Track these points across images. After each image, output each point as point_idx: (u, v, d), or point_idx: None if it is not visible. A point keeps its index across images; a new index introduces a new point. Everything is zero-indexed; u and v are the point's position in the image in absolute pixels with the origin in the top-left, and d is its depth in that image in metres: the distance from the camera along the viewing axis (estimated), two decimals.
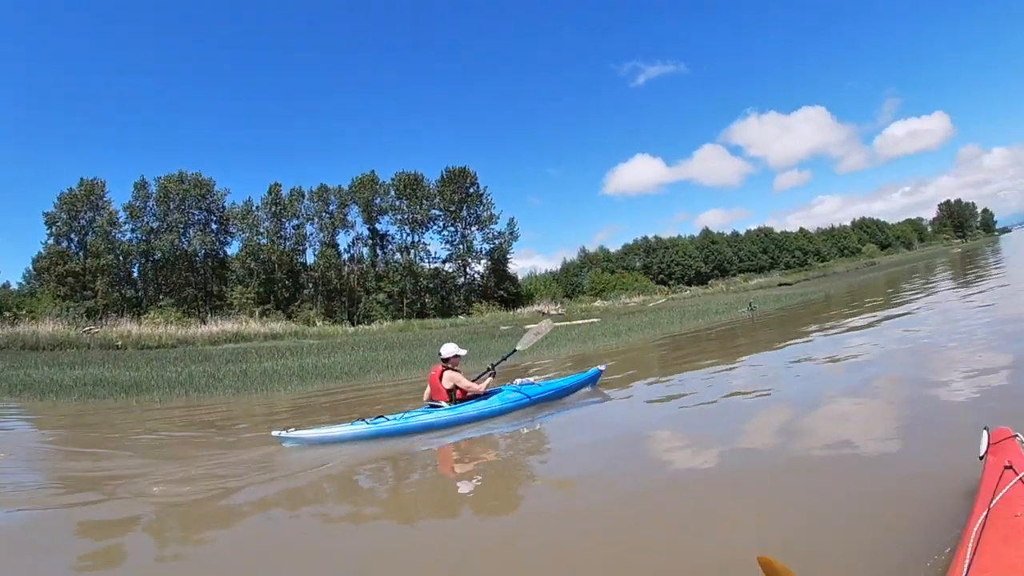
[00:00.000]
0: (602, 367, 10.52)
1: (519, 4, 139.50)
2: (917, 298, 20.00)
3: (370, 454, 7.35)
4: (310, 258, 56.24)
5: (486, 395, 8.98)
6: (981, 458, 3.17)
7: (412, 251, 58.73)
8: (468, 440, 7.83)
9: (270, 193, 54.81)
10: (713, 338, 18.04)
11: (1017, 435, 3.19)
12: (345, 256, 56.85)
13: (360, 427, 7.89)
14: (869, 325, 14.66)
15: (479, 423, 8.47)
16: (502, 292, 58.40)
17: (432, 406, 8.73)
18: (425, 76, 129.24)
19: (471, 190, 60.45)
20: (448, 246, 60.70)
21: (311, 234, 56.49)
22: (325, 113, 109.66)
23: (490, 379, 9.23)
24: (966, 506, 2.90)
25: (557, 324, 30.69)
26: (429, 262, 59.43)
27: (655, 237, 79.78)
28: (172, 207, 51.45)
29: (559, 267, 74.69)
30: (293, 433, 7.65)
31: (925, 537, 3.12)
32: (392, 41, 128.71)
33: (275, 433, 7.64)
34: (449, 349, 9.03)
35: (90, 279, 49.02)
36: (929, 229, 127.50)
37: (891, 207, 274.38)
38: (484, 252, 61.20)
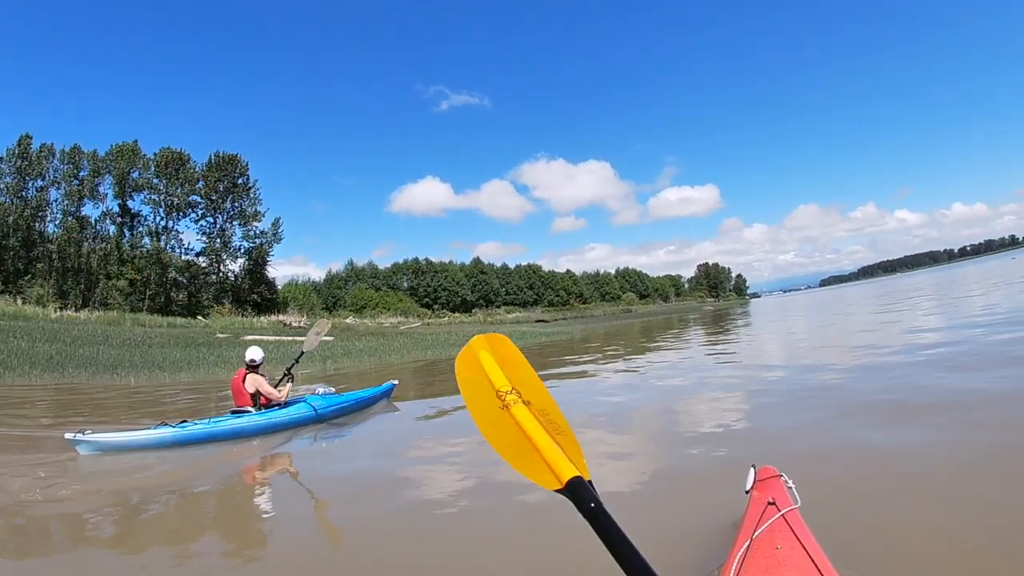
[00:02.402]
0: (395, 381, 11.29)
1: (341, 9, 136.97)
2: (670, 346, 21.00)
3: (176, 465, 6.89)
4: (51, 228, 51.45)
5: (288, 403, 9.04)
6: (747, 492, 3.30)
7: (164, 237, 55.46)
8: (273, 454, 7.71)
9: (19, 144, 49.75)
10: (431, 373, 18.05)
11: (782, 475, 3.36)
12: (90, 232, 53.20)
13: (166, 432, 7.56)
14: (618, 369, 14.88)
15: (286, 431, 8.56)
16: (256, 296, 57.17)
17: (235, 411, 8.58)
18: (226, 66, 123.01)
19: (239, 180, 58.31)
20: (204, 238, 58.01)
21: (55, 200, 52.50)
22: (93, 62, 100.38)
23: (290, 385, 9.32)
24: (730, 536, 2.99)
25: (284, 338, 30.51)
26: (182, 252, 56.26)
27: (426, 260, 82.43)
28: None
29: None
30: (90, 436, 7.19)
31: (692, 561, 3.31)
32: (206, 22, 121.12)
33: (68, 436, 7.11)
34: (256, 353, 8.95)
35: None
36: (686, 286, 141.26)
37: (655, 262, 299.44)
38: (243, 250, 59.08)
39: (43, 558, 4.31)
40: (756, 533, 2.59)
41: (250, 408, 8.60)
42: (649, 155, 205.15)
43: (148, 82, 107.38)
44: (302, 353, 10.52)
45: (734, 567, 2.39)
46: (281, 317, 48.80)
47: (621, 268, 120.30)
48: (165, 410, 11.17)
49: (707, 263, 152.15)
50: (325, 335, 12.25)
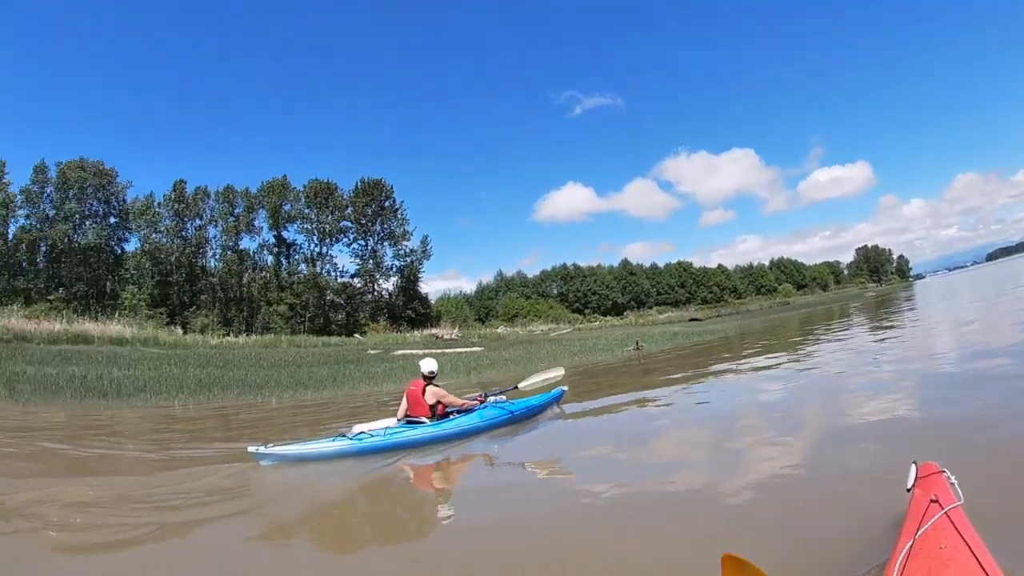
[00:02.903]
0: (564, 388, 11.11)
1: (462, 26, 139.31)
2: (831, 337, 20.27)
3: (355, 474, 7.15)
4: (212, 263, 54.90)
5: (467, 411, 9.13)
6: (908, 490, 3.31)
7: (319, 263, 58.04)
8: (449, 460, 7.80)
9: (174, 190, 53.17)
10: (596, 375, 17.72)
11: (944, 471, 3.35)
12: (247, 263, 56.46)
13: (343, 443, 7.75)
14: (775, 364, 14.58)
15: (460, 440, 8.59)
16: (410, 312, 58.16)
17: (410, 422, 8.70)
18: (360, 91, 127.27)
19: (386, 203, 60.21)
20: (357, 260, 60.16)
21: (214, 237, 55.71)
22: (240, 112, 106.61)
23: (477, 403, 9.41)
24: (892, 535, 3.03)
25: (432, 350, 30.01)
26: (337, 276, 58.72)
27: (574, 265, 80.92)
28: (71, 195, 49.78)
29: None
30: (271, 449, 7.44)
31: (854, 558, 3.30)
32: (329, 49, 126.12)
33: (251, 449, 7.38)
34: (430, 364, 9.10)
35: None
36: (845, 272, 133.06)
37: (810, 249, 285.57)
38: (394, 269, 60.91)
39: (248, 559, 4.60)
40: (919, 533, 2.66)
41: (425, 419, 8.68)
42: (793, 137, 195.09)
43: (289, 120, 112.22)
44: (515, 387, 10.74)
45: (896, 568, 2.45)
46: (433, 330, 49.20)
47: (775, 258, 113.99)
48: (303, 426, 11.46)
49: (865, 246, 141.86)
50: (550, 379, 11.65)
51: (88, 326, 33.06)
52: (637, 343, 25.06)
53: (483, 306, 70.36)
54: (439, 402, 8.85)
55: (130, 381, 16.26)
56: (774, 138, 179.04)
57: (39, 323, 31.49)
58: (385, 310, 58.25)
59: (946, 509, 2.80)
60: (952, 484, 3.20)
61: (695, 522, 4.48)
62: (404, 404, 8.97)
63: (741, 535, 4.10)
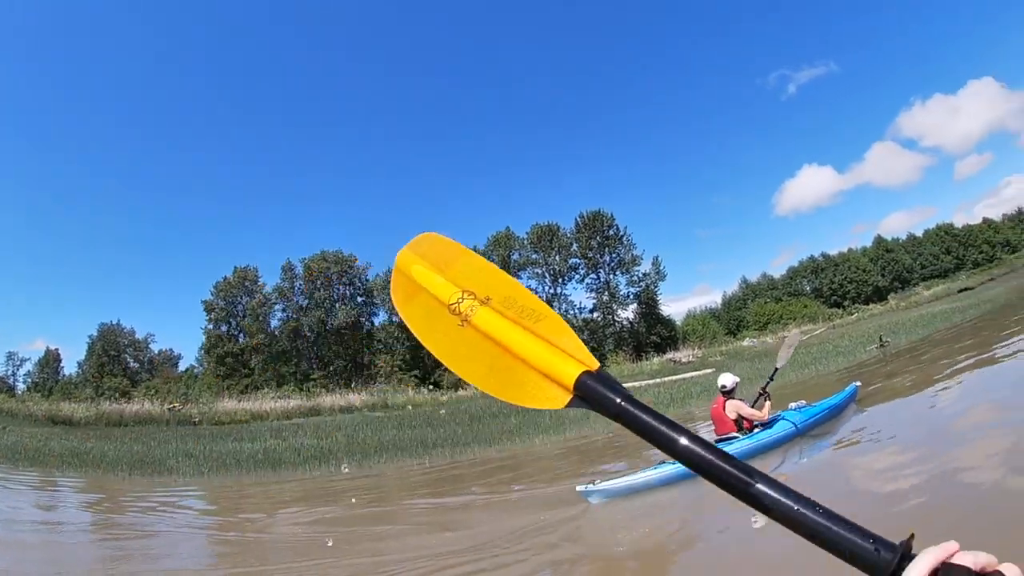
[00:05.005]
0: (858, 383, 11.14)
1: (640, 32, 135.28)
2: None
3: (686, 499, 7.04)
4: None
5: (769, 422, 9.04)
6: None
7: (556, 303, 58.20)
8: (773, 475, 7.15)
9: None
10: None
11: None
12: None
13: (669, 469, 7.57)
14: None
15: (775, 450, 8.52)
16: (655, 337, 56.58)
17: (720, 439, 8.70)
18: (569, 121, 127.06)
19: (610, 233, 59.28)
20: (592, 294, 59.99)
21: None
22: (458, 174, 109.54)
23: (768, 403, 9.36)
24: None
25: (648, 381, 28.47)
26: (575, 313, 58.79)
27: (822, 255, 74.17)
28: (318, 285, 54.95)
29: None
30: (600, 486, 7.49)
31: None
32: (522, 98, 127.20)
33: (579, 489, 7.51)
34: (728, 379, 9.14)
35: (247, 358, 53.46)
36: None
37: None
38: (630, 296, 59.82)
39: None
40: None
41: (735, 433, 8.69)
42: None
43: (507, 170, 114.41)
44: (776, 370, 10.68)
45: None
46: (671, 355, 47.11)
47: None
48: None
49: None
50: (795, 344, 11.56)
51: (322, 400, 36.67)
52: (881, 339, 21.52)
53: (731, 318, 66.25)
54: (740, 415, 8.84)
55: (292, 451, 16.82)
56: (1013, 56, 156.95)
57: (275, 402, 35.44)
58: (628, 339, 57.05)
59: None
60: None
61: None
62: (713, 424, 9.13)
63: None
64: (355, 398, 37.19)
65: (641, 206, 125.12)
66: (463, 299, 1.19)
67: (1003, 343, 13.73)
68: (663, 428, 0.91)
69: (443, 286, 1.24)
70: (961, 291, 52.70)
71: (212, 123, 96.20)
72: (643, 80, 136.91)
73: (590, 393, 0.96)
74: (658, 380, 29.07)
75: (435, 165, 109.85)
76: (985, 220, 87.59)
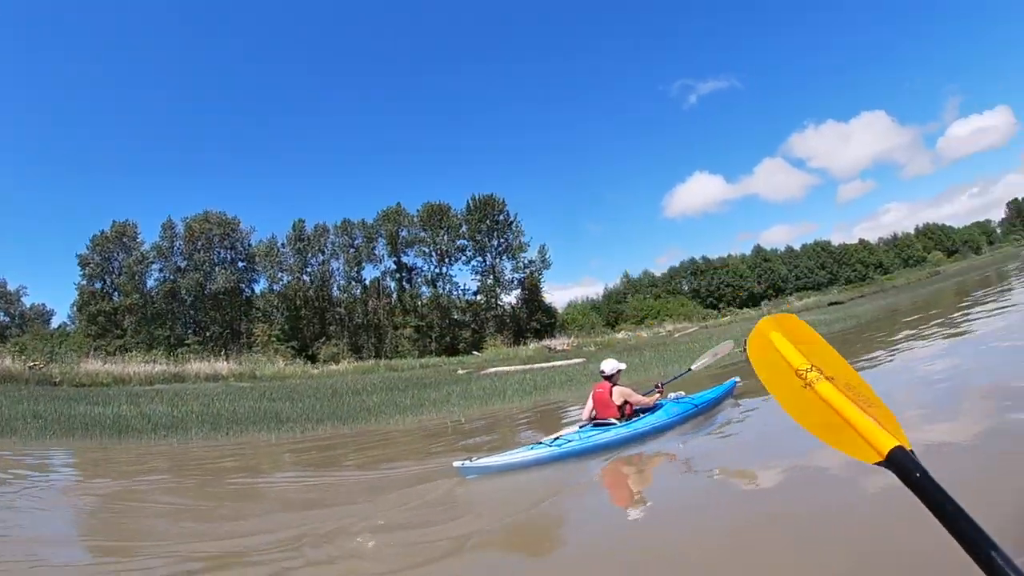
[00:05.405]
0: (736, 379, 11.32)
1: (553, 32, 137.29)
2: (985, 312, 17.50)
3: (555, 480, 7.16)
4: (336, 293, 57.31)
5: (653, 409, 9.19)
6: None
7: (440, 283, 58.86)
8: (641, 460, 7.90)
9: (294, 229, 56.37)
10: None
11: None
12: (371, 290, 57.55)
13: (543, 451, 7.81)
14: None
15: (650, 438, 8.61)
16: (535, 323, 57.38)
17: (598, 424, 8.75)
18: (463, 103, 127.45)
19: (500, 218, 59.91)
20: (477, 277, 60.44)
21: (336, 269, 57.57)
22: (350, 147, 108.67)
23: (658, 395, 9.62)
24: None
25: (520, 367, 28.80)
26: (459, 295, 59.35)
27: (703, 258, 77.61)
28: (198, 246, 53.31)
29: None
30: (477, 463, 7.55)
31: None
32: (423, 71, 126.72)
33: (457, 464, 7.53)
34: (611, 364, 9.19)
35: (120, 318, 51.58)
36: (998, 231, 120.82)
37: (959, 210, 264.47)
38: (515, 282, 60.59)
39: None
40: None
41: (614, 420, 8.72)
42: (926, 89, 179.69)
43: (401, 144, 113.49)
44: (688, 370, 11.44)
45: None
46: (546, 342, 47.47)
47: (920, 226, 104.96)
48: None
49: (1016, 199, 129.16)
50: (719, 354, 11.88)
51: (190, 366, 34.61)
52: (743, 342, 22.05)
53: (611, 311, 68.04)
54: (626, 402, 8.85)
55: (143, 418, 15.92)
56: (905, 93, 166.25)
57: (141, 366, 33.42)
58: (509, 324, 57.78)
59: None
60: None
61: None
62: (589, 406, 9.03)
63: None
64: (223, 366, 35.70)
65: (536, 196, 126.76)
66: (811, 370, 1.45)
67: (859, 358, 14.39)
68: (959, 513, 1.07)
69: (795, 355, 1.51)
70: (831, 304, 55.72)
71: (98, 59, 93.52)
72: (549, 74, 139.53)
73: (897, 461, 1.19)
74: (529, 366, 28.80)
75: (331, 141, 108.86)
76: (861, 241, 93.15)
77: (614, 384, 8.94)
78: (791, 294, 75.74)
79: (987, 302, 19.71)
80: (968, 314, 17.67)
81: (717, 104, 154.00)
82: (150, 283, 53.05)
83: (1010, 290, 22.49)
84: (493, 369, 30.09)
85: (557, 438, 8.03)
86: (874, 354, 13.99)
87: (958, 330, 14.79)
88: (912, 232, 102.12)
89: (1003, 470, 4.71)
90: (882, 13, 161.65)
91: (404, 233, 57.72)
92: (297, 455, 11.85)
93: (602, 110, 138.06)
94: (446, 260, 58.83)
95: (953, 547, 1.02)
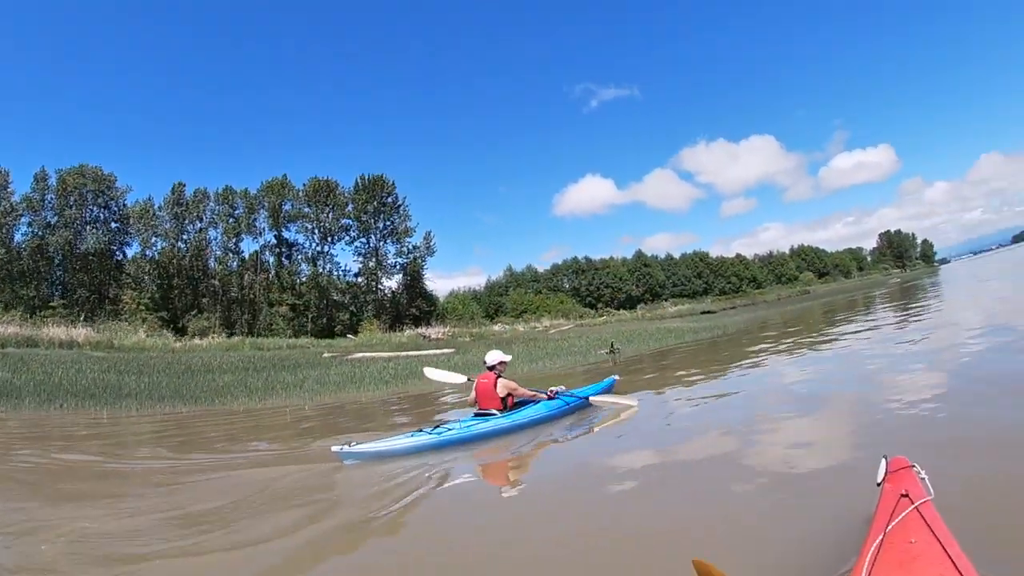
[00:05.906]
0: (616, 376, 11.76)
1: (468, 19, 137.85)
2: (844, 332, 18.72)
3: (435, 468, 7.10)
4: (212, 265, 54.75)
5: (533, 402, 9.37)
6: (879, 485, 3.34)
7: (321, 262, 57.60)
8: (520, 450, 7.93)
9: (173, 192, 53.12)
10: None
11: (914, 465, 3.39)
12: (249, 264, 56.23)
13: (423, 438, 7.87)
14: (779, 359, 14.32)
15: (530, 429, 8.74)
16: (414, 310, 57.33)
17: (479, 414, 8.88)
18: (369, 84, 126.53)
19: (387, 200, 59.30)
20: (360, 259, 59.65)
21: (214, 239, 55.04)
22: (239, 110, 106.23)
23: (545, 396, 9.59)
24: (863, 531, 3.06)
25: (388, 353, 29.06)
26: (340, 275, 58.42)
27: (586, 258, 79.92)
28: (71, 202, 50.08)
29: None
30: (355, 448, 7.46)
31: (823, 557, 3.37)
32: (332, 38, 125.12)
33: (335, 449, 7.44)
34: (495, 356, 9.38)
35: None
36: (868, 259, 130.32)
37: (833, 236, 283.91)
38: (397, 267, 60.29)
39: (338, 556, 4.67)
40: (889, 527, 2.71)
41: (496, 411, 8.86)
42: (814, 120, 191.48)
43: (291, 115, 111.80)
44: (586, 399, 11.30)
45: (867, 563, 2.50)
46: (422, 330, 47.39)
47: (796, 246, 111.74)
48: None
49: (888, 231, 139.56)
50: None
51: (46, 331, 32.02)
52: (612, 346, 22.22)
53: (491, 302, 69.48)
54: (510, 394, 9.04)
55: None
56: (795, 123, 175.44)
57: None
58: (389, 309, 57.60)
59: (916, 504, 2.84)
60: (923, 479, 3.24)
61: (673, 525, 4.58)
62: (473, 396, 9.19)
63: (718, 542, 4.10)
64: (79, 333, 33.49)
65: (429, 182, 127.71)
66: None
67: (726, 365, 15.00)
68: None
69: None
70: (703, 313, 58.52)
71: None
72: (455, 62, 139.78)
73: None
74: (398, 354, 28.38)
75: (224, 104, 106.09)
76: (738, 256, 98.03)
77: (499, 375, 9.14)
78: (667, 300, 79.11)
79: (853, 321, 21.57)
80: (829, 333, 19.04)
81: (616, 111, 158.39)
82: (18, 238, 49.38)
83: (870, 317, 24.01)
84: (360, 355, 29.82)
85: (438, 426, 8.15)
86: (740, 362, 14.85)
87: (820, 345, 15.84)
88: (787, 252, 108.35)
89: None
90: (780, 42, 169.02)
91: (288, 207, 56.23)
92: (103, 437, 11.47)
93: (505, 103, 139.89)
94: (329, 238, 57.57)
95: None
